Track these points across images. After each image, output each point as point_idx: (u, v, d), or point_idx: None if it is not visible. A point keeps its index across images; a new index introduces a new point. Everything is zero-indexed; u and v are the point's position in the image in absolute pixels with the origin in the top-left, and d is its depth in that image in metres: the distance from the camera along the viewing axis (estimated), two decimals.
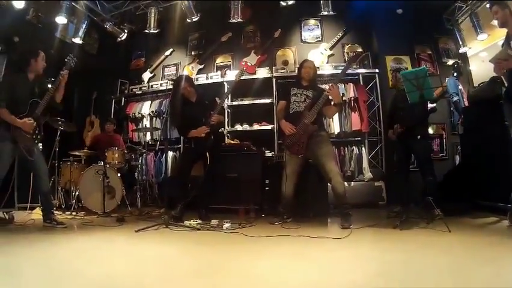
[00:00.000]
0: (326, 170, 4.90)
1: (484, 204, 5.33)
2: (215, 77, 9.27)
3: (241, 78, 6.16)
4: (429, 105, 7.30)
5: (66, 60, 5.09)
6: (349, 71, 8.35)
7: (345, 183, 7.10)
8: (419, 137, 5.37)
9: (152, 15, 9.55)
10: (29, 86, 4.79)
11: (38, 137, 4.83)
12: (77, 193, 6.48)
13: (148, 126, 9.28)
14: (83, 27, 9.14)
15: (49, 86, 5.00)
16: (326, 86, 5.86)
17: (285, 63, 9.19)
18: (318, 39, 9.26)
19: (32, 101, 4.75)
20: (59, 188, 6.77)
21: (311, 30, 9.44)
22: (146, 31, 9.71)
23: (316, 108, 4.95)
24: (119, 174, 6.81)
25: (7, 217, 5.25)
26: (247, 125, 8.78)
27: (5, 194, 5.08)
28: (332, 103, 5.08)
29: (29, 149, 4.69)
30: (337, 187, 4.88)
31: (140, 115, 9.63)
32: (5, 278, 2.50)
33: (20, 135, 4.62)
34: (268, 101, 8.69)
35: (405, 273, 2.52)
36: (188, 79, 5.98)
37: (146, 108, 9.63)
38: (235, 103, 8.91)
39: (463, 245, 3.45)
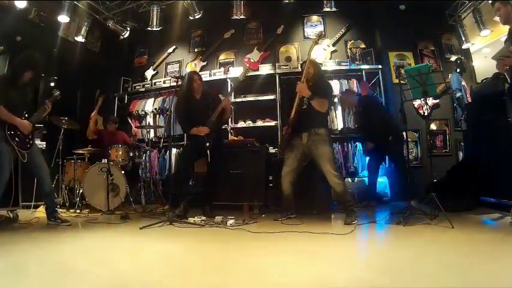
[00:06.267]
0: (323, 171, 4.90)
1: (487, 200, 5.32)
2: (218, 73, 9.26)
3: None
4: (433, 101, 7.36)
5: (53, 92, 5.12)
6: (352, 67, 8.51)
7: (349, 179, 7.19)
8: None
9: (155, 12, 9.53)
10: (23, 90, 4.80)
11: (31, 142, 4.80)
12: (81, 191, 6.48)
13: (151, 123, 9.31)
14: (86, 25, 9.12)
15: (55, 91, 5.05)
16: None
17: (288, 59, 9.18)
18: (321, 35, 9.22)
19: (25, 105, 4.79)
20: (63, 186, 6.77)
21: (314, 26, 9.42)
22: (149, 29, 9.70)
23: (294, 105, 5.04)
24: (123, 172, 6.82)
25: (12, 216, 5.25)
26: (250, 122, 8.78)
27: (9, 193, 5.07)
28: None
29: (21, 153, 4.68)
30: (334, 188, 4.91)
31: (143, 112, 9.63)
32: (11, 276, 2.52)
33: (14, 137, 4.60)
34: (271, 97, 8.68)
35: (409, 269, 2.54)
36: (199, 74, 6.10)
37: (149, 105, 9.64)
38: (238, 100, 8.89)
39: (466, 242, 3.46)
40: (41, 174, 4.92)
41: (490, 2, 5.40)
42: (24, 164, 4.84)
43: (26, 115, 4.75)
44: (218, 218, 4.96)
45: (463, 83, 7.70)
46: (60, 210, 5.80)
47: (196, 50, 10.12)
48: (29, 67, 4.81)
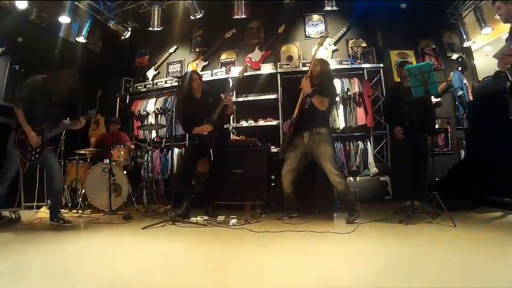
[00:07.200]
0: (324, 170, 4.90)
1: (489, 199, 5.31)
2: (220, 73, 9.26)
3: (246, 74, 6.18)
4: (434, 100, 7.31)
5: (88, 111, 5.24)
6: (354, 66, 8.51)
7: (351, 178, 7.16)
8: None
9: (156, 13, 9.55)
10: (49, 103, 4.84)
11: (37, 156, 4.79)
12: (83, 191, 6.51)
13: (153, 123, 9.30)
14: (87, 26, 9.13)
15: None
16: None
17: (290, 58, 9.18)
18: (322, 34, 9.15)
19: (45, 118, 4.83)
20: (65, 187, 6.77)
21: (315, 25, 9.43)
22: (150, 29, 9.71)
23: (297, 105, 5.03)
24: (125, 172, 6.83)
25: (14, 216, 5.26)
26: (252, 121, 8.79)
27: (12, 194, 5.07)
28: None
29: (23, 162, 4.72)
30: (336, 187, 4.93)
31: (145, 112, 9.63)
32: (14, 276, 2.52)
33: (21, 143, 4.64)
34: (273, 96, 8.68)
35: (411, 268, 2.53)
36: (198, 73, 6.11)
37: (151, 105, 9.64)
38: (240, 99, 8.88)
39: (469, 240, 3.45)
40: (53, 173, 4.95)
41: (490, 1, 5.37)
42: (34, 163, 4.89)
43: (44, 127, 4.80)
44: (220, 218, 4.97)
45: (465, 81, 7.68)
46: (63, 210, 5.79)
47: (197, 50, 10.14)
48: (66, 82, 4.87)
